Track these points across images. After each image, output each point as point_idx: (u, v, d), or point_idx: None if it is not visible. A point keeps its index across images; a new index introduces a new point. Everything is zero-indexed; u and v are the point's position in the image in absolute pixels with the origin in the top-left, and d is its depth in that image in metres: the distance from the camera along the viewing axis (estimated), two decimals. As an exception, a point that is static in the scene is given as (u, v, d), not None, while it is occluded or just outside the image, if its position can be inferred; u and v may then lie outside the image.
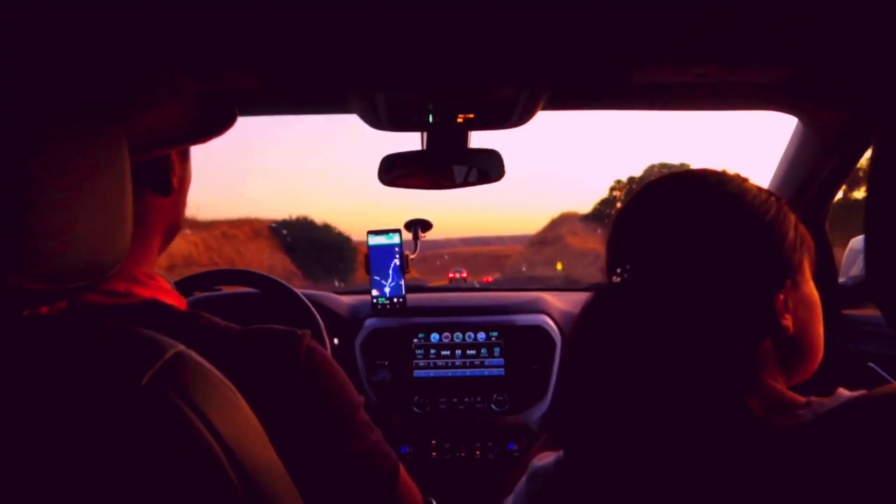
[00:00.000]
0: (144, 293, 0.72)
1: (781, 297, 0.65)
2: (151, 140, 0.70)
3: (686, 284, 0.64)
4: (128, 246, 0.57)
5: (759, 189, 0.69)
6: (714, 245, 0.64)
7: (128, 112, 0.66)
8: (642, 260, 0.67)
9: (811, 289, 0.70)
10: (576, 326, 0.70)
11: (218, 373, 0.54)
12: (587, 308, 0.69)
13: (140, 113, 0.68)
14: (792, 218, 0.68)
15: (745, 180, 0.70)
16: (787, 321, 0.65)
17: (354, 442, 0.75)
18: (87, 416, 0.46)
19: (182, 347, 0.52)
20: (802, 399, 0.63)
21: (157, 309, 0.71)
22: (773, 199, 0.68)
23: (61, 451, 0.45)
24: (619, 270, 0.68)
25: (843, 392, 0.61)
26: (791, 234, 0.67)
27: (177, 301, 0.76)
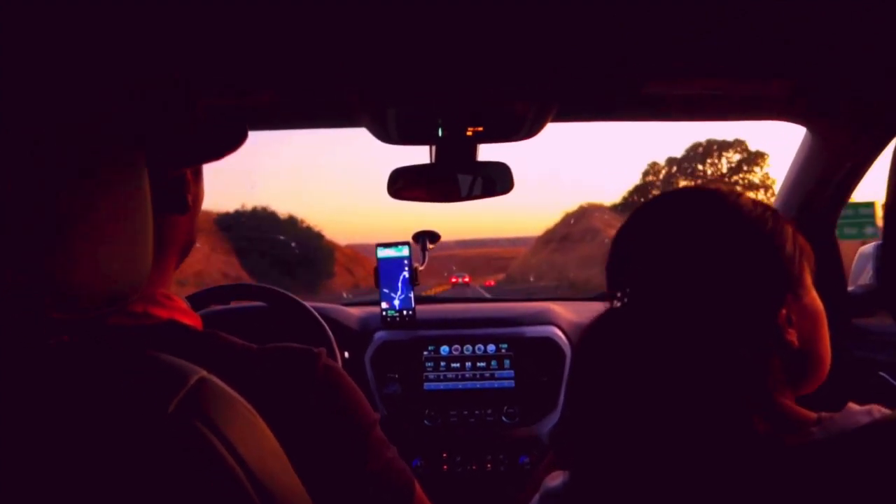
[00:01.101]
0: (162, 314, 0.72)
1: (784, 311, 0.64)
2: (168, 160, 0.71)
3: (688, 305, 0.63)
4: (150, 269, 0.58)
5: (755, 203, 0.69)
6: (713, 264, 0.64)
7: (147, 135, 0.66)
8: (643, 282, 0.67)
9: (814, 299, 0.69)
10: (580, 350, 0.70)
11: (240, 397, 0.55)
12: (590, 332, 0.69)
13: (157, 134, 0.68)
14: (789, 229, 0.68)
15: (740, 195, 0.70)
16: (792, 335, 0.65)
17: (371, 459, 0.74)
18: (115, 446, 0.46)
19: (204, 373, 0.52)
20: (813, 416, 0.62)
21: (175, 330, 0.72)
22: (768, 213, 0.68)
23: (89, 481, 0.45)
24: (619, 294, 0.68)
25: (854, 407, 0.61)
26: (789, 245, 0.66)
27: (194, 321, 0.76)
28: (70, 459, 0.46)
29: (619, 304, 0.68)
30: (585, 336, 0.69)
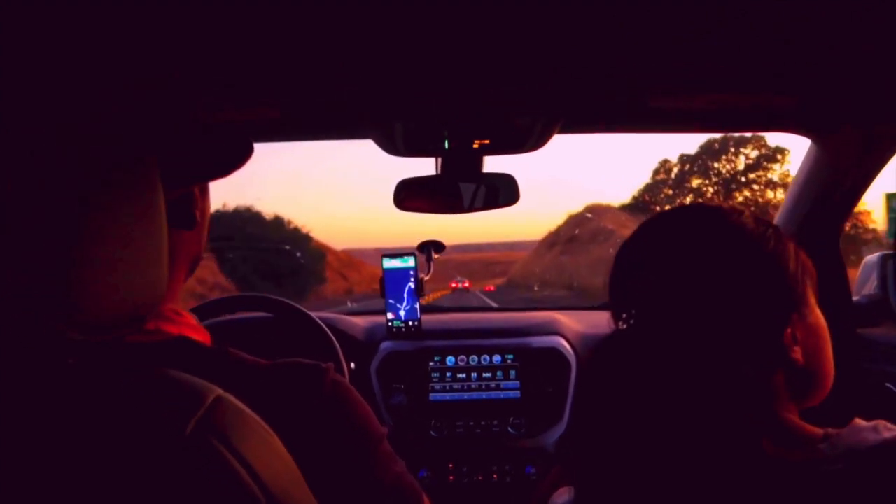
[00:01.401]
0: (173, 330, 0.73)
1: (789, 331, 0.65)
2: (176, 178, 0.72)
3: (694, 328, 0.64)
4: (166, 286, 0.58)
5: (757, 221, 0.69)
6: (719, 286, 0.64)
7: (160, 153, 0.67)
8: (648, 304, 0.67)
9: (817, 316, 0.70)
10: (588, 373, 0.70)
11: (255, 415, 0.55)
12: (598, 355, 0.69)
13: (168, 152, 0.69)
14: (791, 247, 0.68)
15: (742, 212, 0.70)
16: (797, 353, 0.65)
17: (380, 473, 0.75)
18: (134, 466, 0.46)
19: (220, 391, 0.52)
20: (819, 432, 0.62)
21: (186, 347, 0.72)
22: (770, 231, 0.68)
23: (108, 501, 0.46)
24: (624, 316, 0.68)
25: (860, 423, 0.61)
26: (792, 264, 0.67)
27: (203, 336, 0.76)
28: (89, 480, 0.46)
29: (624, 326, 0.68)
30: (593, 360, 0.69)
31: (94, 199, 0.49)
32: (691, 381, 0.62)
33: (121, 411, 0.48)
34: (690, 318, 0.64)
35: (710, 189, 42.24)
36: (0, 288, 0.45)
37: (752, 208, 1.55)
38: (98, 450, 0.46)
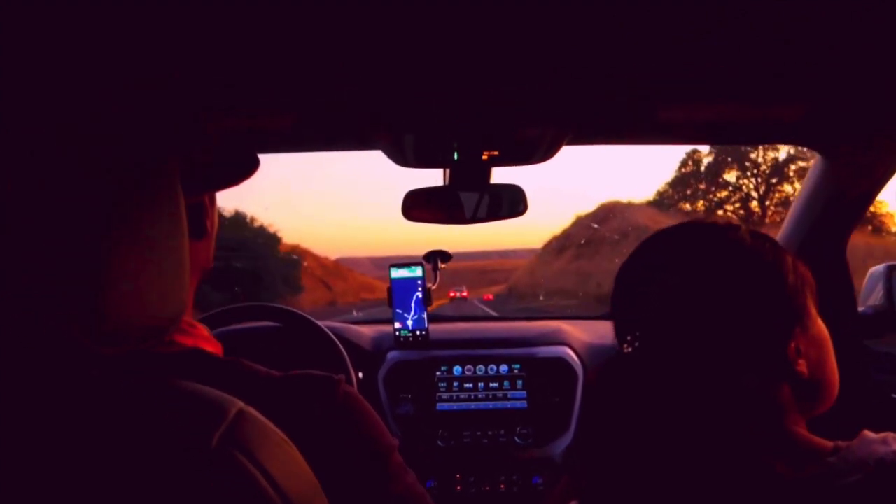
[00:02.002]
0: (187, 341, 0.73)
1: (793, 344, 0.65)
2: (189, 188, 0.73)
3: (699, 348, 0.64)
4: (188, 298, 0.59)
5: (753, 236, 0.69)
6: (721, 305, 0.64)
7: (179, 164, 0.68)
8: (652, 327, 0.68)
9: (819, 327, 0.70)
10: (594, 396, 0.70)
11: (275, 428, 0.56)
12: (603, 379, 0.70)
13: (183, 161, 0.70)
14: (789, 261, 0.68)
15: (739, 227, 0.70)
16: (802, 366, 0.65)
17: (392, 484, 0.75)
18: (161, 480, 0.47)
19: (241, 404, 0.53)
20: (829, 444, 0.63)
21: (201, 358, 0.73)
22: (768, 245, 0.69)
23: None
24: (629, 338, 0.69)
25: (869, 435, 0.62)
26: (791, 277, 0.67)
27: (216, 348, 0.77)
28: (112, 495, 0.46)
29: (630, 349, 0.69)
30: (601, 381, 0.69)
31: (119, 210, 0.50)
32: (700, 400, 0.63)
33: (146, 425, 0.49)
34: (696, 337, 0.64)
35: (749, 183, 37.01)
36: (26, 300, 0.46)
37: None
38: (123, 464, 0.47)
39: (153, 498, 0.46)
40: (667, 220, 0.74)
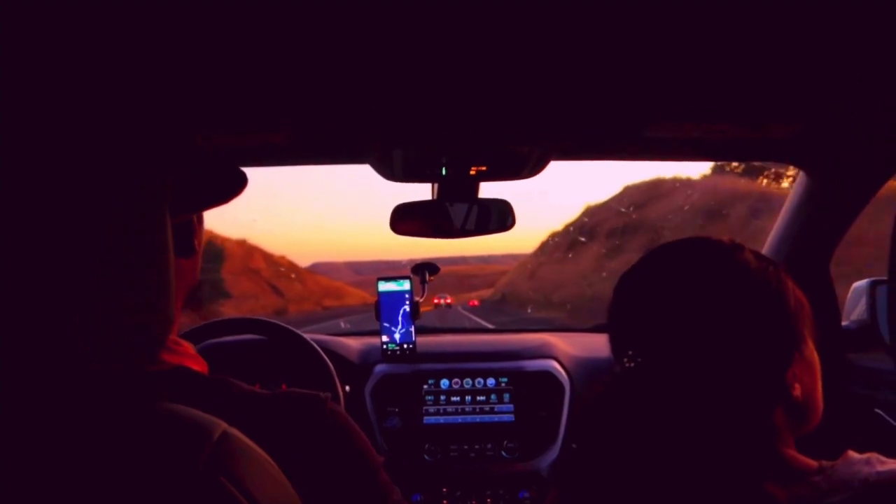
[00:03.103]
0: (172, 360, 0.73)
1: (791, 371, 0.66)
2: (179, 206, 0.73)
3: (702, 367, 0.64)
4: (172, 315, 0.59)
5: (757, 257, 0.69)
6: (727, 323, 0.64)
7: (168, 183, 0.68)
8: (653, 347, 0.67)
9: (812, 351, 0.71)
10: (589, 418, 0.70)
11: (258, 448, 0.56)
12: (600, 401, 0.69)
13: (172, 180, 0.70)
14: (790, 285, 0.69)
15: (743, 248, 0.70)
16: (797, 390, 0.66)
17: (378, 502, 0.76)
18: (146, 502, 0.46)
19: (225, 426, 0.53)
20: (814, 464, 0.63)
21: (187, 377, 0.73)
22: (771, 268, 0.69)
23: None
24: (630, 353, 0.68)
25: (853, 455, 0.62)
26: (792, 302, 0.67)
27: (201, 366, 0.77)
28: None
29: (631, 364, 0.68)
30: (597, 403, 0.69)
31: (105, 229, 0.50)
32: (699, 422, 0.63)
33: (131, 449, 0.49)
34: (699, 358, 0.64)
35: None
36: (9, 318, 0.45)
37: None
38: (108, 488, 0.47)
39: None
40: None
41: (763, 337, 0.65)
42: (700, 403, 0.64)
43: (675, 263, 0.71)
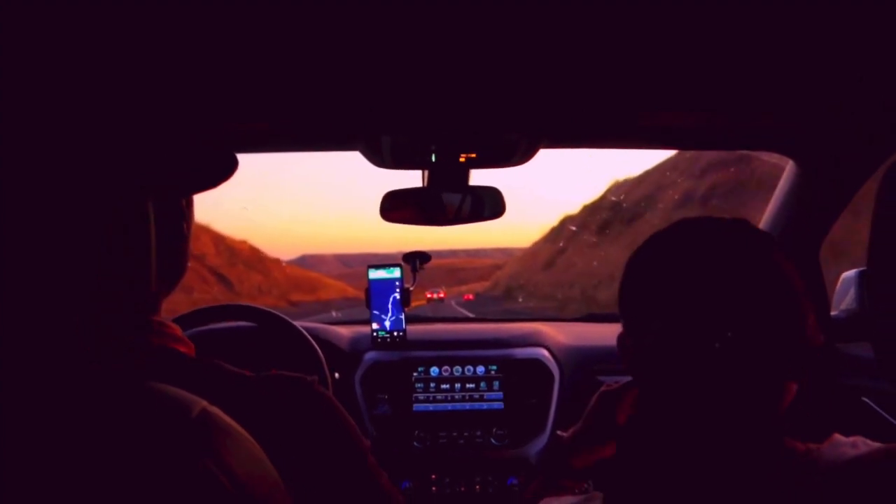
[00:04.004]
0: (157, 341, 0.73)
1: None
2: (166, 192, 0.72)
3: (725, 349, 0.61)
4: (155, 299, 0.59)
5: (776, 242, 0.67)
6: (752, 304, 0.62)
7: (152, 169, 0.68)
8: (671, 328, 0.64)
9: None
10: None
11: (239, 427, 0.56)
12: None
13: (160, 167, 0.70)
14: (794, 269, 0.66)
15: (770, 235, 0.67)
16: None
17: (363, 486, 0.76)
18: (121, 480, 0.47)
19: (205, 403, 0.53)
20: (802, 447, 0.63)
21: (171, 358, 0.73)
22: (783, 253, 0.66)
23: None
24: (646, 330, 0.67)
25: (839, 438, 0.63)
26: (800, 285, 0.65)
27: (187, 348, 0.77)
28: (77, 494, 0.46)
29: (648, 339, 0.66)
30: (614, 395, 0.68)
31: (88, 215, 0.50)
32: (721, 395, 0.63)
33: (109, 425, 0.49)
34: (723, 338, 0.61)
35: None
36: (9, 318, 0.46)
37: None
38: (85, 465, 0.47)
39: (114, 497, 0.46)
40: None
41: (782, 320, 0.62)
42: (723, 379, 0.62)
43: (697, 245, 0.67)
